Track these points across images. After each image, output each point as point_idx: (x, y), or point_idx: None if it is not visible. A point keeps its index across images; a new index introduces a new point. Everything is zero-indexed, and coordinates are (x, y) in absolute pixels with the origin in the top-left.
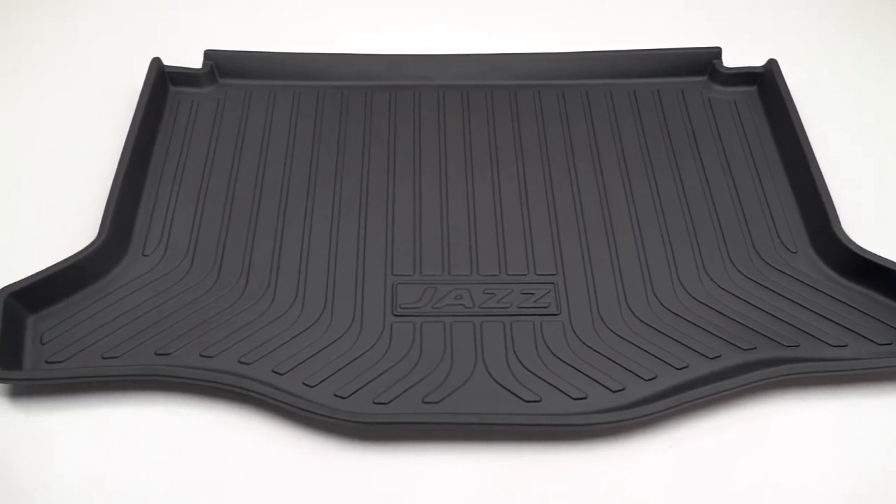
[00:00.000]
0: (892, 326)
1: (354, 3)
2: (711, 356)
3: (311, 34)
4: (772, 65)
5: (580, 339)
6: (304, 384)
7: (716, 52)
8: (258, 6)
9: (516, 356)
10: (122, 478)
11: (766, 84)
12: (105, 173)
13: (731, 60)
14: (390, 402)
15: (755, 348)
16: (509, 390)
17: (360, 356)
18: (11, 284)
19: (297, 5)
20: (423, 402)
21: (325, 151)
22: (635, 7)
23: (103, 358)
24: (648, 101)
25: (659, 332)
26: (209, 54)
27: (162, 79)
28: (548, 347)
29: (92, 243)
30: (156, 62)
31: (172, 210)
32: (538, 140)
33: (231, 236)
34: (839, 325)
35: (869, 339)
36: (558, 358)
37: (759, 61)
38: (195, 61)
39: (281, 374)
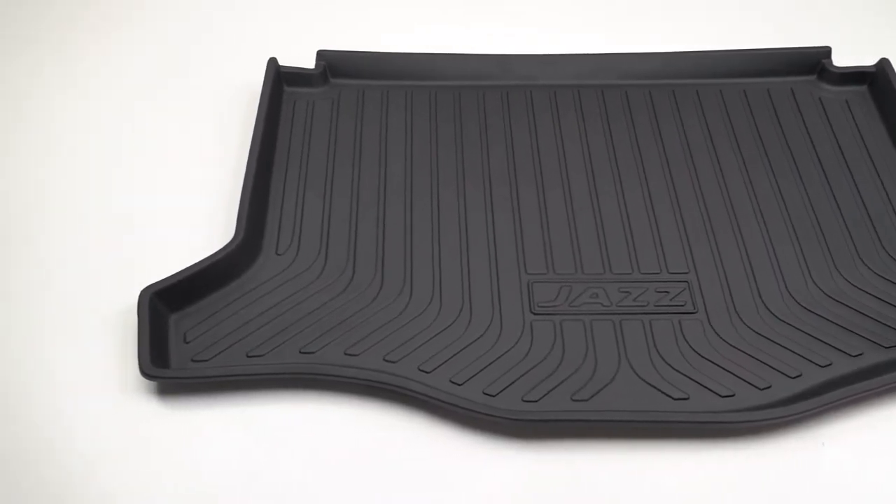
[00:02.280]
0: None
1: (453, 3)
2: (854, 353)
3: (413, 33)
4: (884, 64)
5: (720, 337)
6: (451, 382)
7: (825, 52)
8: (359, 6)
9: (659, 354)
10: (271, 475)
11: (879, 83)
12: (231, 174)
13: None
14: (539, 399)
15: None
16: (657, 388)
17: (503, 354)
18: (154, 284)
19: (401, 4)
20: (572, 399)
21: (444, 151)
22: (736, 6)
23: (248, 356)
24: (760, 100)
25: (798, 329)
26: (322, 54)
27: (278, 79)
28: (689, 345)
29: (230, 243)
30: (273, 63)
31: (301, 210)
32: (654, 138)
33: (361, 236)
34: None
35: None
36: (701, 356)
37: (852, 60)
38: (296, 61)
39: (427, 373)
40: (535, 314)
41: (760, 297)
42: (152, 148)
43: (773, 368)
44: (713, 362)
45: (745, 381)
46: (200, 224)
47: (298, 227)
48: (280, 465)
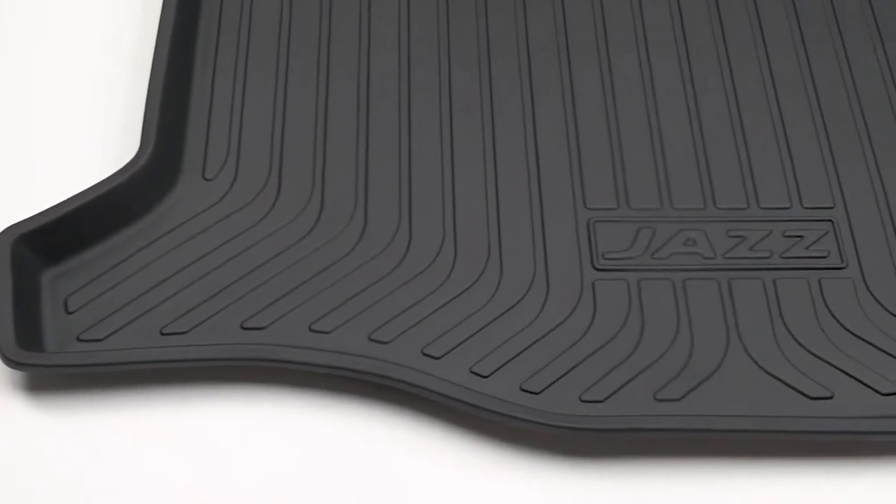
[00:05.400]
0: None
1: None
2: None
3: None
4: None
5: (882, 305)
6: (473, 373)
7: None
8: None
9: (788, 330)
10: None
11: None
12: (134, 69)
13: None
14: (607, 398)
15: None
16: (784, 382)
17: (550, 331)
18: (18, 224)
19: None
20: (657, 398)
21: (458, 18)
22: None
23: (163, 334)
24: None
25: None
26: None
27: None
28: (833, 317)
29: (133, 161)
30: None
31: (240, 114)
32: (784, 7)
33: (332, 150)
34: None
35: None
36: (851, 332)
37: None
38: None
39: (437, 359)
40: (599, 269)
41: None
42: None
43: None
44: (870, 342)
45: None
46: (87, 145)
47: (236, 139)
48: (219, 495)
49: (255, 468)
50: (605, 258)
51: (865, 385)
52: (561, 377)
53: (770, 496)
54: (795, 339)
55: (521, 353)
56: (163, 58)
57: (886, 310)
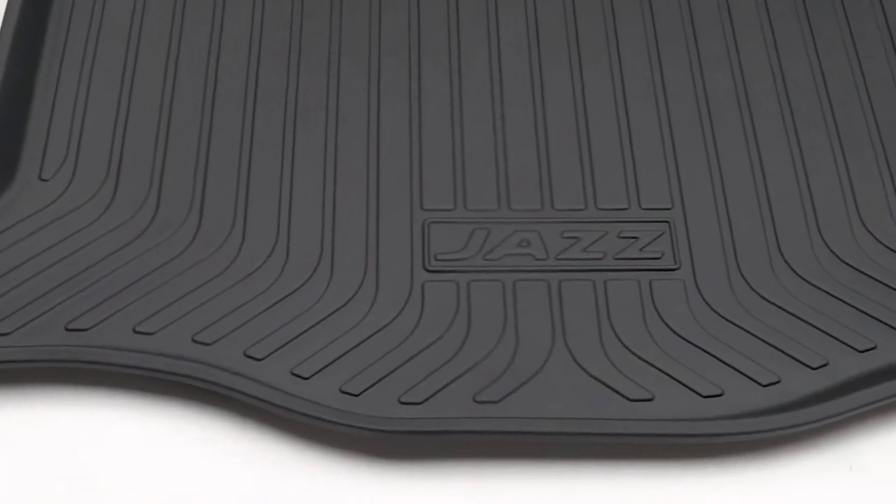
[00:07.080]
0: None
1: None
2: None
3: None
4: None
5: (710, 307)
6: (293, 374)
7: None
8: None
9: (614, 332)
10: None
11: None
12: None
13: None
14: (425, 400)
15: None
16: (605, 384)
17: (376, 333)
18: None
19: None
20: (476, 401)
21: (311, 19)
22: None
23: None
24: None
25: (831, 295)
26: None
27: None
28: (661, 319)
29: None
30: None
31: (81, 116)
32: (640, 8)
33: (172, 151)
34: None
35: None
36: (678, 335)
37: None
38: None
39: (258, 360)
40: (430, 271)
41: (778, 245)
42: None
43: (786, 354)
44: (695, 345)
45: (740, 372)
46: None
47: (76, 140)
48: (31, 496)
49: (68, 471)
50: (436, 259)
51: (686, 387)
52: (381, 379)
53: (588, 498)
54: (620, 341)
55: (344, 354)
56: (2, 57)
57: (715, 312)
